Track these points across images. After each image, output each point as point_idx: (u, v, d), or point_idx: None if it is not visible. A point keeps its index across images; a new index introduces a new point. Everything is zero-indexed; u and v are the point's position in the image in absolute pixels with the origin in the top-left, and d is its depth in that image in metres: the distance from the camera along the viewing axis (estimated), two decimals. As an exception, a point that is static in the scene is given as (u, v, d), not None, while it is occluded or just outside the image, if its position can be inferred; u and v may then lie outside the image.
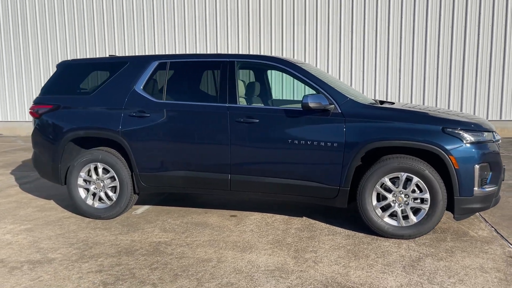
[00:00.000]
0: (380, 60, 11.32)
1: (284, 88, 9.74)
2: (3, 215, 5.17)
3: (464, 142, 4.01)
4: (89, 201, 4.93)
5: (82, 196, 4.94)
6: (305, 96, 4.20)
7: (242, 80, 5.03)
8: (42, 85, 13.52)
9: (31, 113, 5.16)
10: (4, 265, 3.73)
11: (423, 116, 4.27)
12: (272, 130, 4.38)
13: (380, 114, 4.24)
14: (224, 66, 4.63)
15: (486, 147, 4.09)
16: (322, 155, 4.25)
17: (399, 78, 11.29)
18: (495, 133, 4.32)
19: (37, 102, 5.11)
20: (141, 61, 4.89)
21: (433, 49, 11.11)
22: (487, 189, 4.10)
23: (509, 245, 4.06)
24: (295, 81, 4.93)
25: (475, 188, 4.04)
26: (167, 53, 12.28)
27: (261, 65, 4.99)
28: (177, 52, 12.24)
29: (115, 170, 4.78)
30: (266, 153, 4.42)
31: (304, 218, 4.91)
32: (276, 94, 9.42)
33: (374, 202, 4.23)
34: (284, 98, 9.79)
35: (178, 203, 5.57)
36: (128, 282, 3.39)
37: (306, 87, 4.55)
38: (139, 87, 4.80)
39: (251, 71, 5.68)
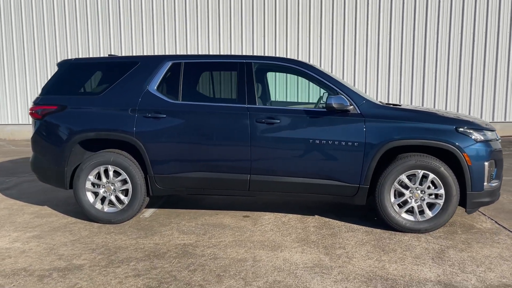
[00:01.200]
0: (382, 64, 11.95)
1: (288, 90, 9.82)
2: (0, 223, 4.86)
3: (475, 140, 4.30)
4: (98, 206, 4.74)
5: (90, 200, 4.74)
6: (329, 97, 4.32)
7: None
8: (28, 87, 13.20)
9: (31, 114, 4.89)
10: (29, 274, 3.53)
11: (436, 116, 4.52)
12: (294, 130, 4.46)
13: (397, 114, 4.45)
14: (241, 67, 4.65)
15: (492, 145, 4.40)
16: (343, 154, 4.39)
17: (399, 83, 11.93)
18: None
19: (39, 102, 4.85)
20: (153, 61, 4.79)
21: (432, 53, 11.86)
22: (493, 184, 4.42)
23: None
24: (299, 83, 5.06)
25: (485, 183, 4.34)
26: (166, 52, 12.43)
27: (278, 67, 5.04)
28: (178, 52, 12.34)
29: (127, 172, 4.65)
30: (287, 153, 4.48)
31: (316, 216, 5.02)
32: (280, 96, 9.51)
33: (392, 199, 4.42)
34: (287, 100, 9.87)
35: (184, 206, 5.49)
36: (173, 285, 3.32)
37: (310, 89, 4.68)
38: (153, 87, 4.70)
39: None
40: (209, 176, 4.61)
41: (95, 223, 4.78)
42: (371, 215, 5.03)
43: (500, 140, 4.67)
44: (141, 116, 4.61)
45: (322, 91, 5.28)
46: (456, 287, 3.28)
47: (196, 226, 4.70)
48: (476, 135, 4.32)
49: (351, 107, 4.39)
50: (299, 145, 4.45)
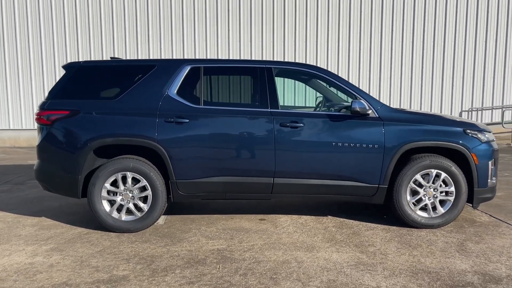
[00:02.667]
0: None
1: (296, 95, 9.87)
2: (3, 238, 4.50)
3: (481, 141, 4.70)
4: (115, 214, 4.56)
5: (107, 209, 4.55)
6: (353, 102, 4.51)
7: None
8: (18, 90, 12.67)
9: (38, 119, 4.60)
10: (74, 288, 3.35)
11: (445, 119, 4.87)
12: (316, 133, 4.59)
13: (411, 117, 4.74)
14: (261, 72, 4.71)
15: (493, 145, 4.83)
16: (363, 156, 4.59)
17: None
18: None
19: (48, 107, 4.57)
20: (171, 65, 4.70)
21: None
22: (494, 181, 4.85)
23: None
24: (307, 88, 5.22)
25: (489, 180, 4.75)
26: (173, 55, 12.46)
27: (298, 72, 5.14)
28: (185, 55, 12.38)
29: (147, 178, 4.51)
30: (310, 156, 4.60)
31: (329, 217, 5.18)
32: (288, 101, 9.58)
33: (408, 197, 4.69)
34: (295, 104, 9.95)
35: (194, 211, 5.42)
36: (233, 289, 3.32)
37: (306, 93, 4.86)
38: (173, 92, 4.62)
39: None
40: (233, 180, 4.61)
41: (111, 233, 4.59)
42: (379, 213, 5.29)
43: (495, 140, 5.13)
44: (162, 121, 4.51)
45: (318, 95, 5.49)
46: (492, 275, 3.58)
47: (218, 231, 4.67)
48: (480, 136, 4.72)
49: (370, 111, 4.62)
50: (322, 148, 4.59)
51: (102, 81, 4.76)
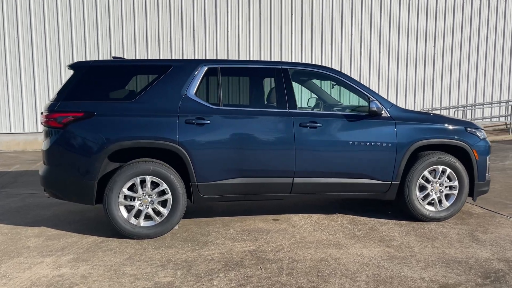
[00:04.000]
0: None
1: (302, 96, 9.76)
2: (11, 251, 4.17)
3: (479, 138, 5.06)
4: (133, 220, 4.38)
5: (124, 215, 4.36)
6: (371, 102, 4.67)
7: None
8: (36, 92, 11.88)
9: (47, 122, 4.30)
10: (124, 298, 3.19)
11: (448, 118, 5.18)
12: (334, 133, 4.70)
13: (419, 117, 4.99)
14: (278, 73, 4.74)
15: (488, 142, 5.21)
16: (378, 154, 4.77)
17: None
18: None
19: (59, 109, 4.29)
20: (188, 66, 4.60)
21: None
22: (489, 175, 5.23)
23: (505, 216, 5.24)
24: (301, 89, 5.35)
25: (486, 174, 5.12)
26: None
27: (312, 73, 5.20)
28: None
29: (168, 182, 4.38)
30: (329, 155, 4.70)
31: (338, 214, 5.32)
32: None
33: (418, 193, 4.94)
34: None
35: (203, 215, 5.32)
36: (288, 289, 3.33)
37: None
38: (191, 92, 4.52)
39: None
40: (253, 181, 4.60)
41: (129, 240, 4.40)
42: (383, 209, 5.51)
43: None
44: (183, 122, 4.40)
45: (313, 95, 5.64)
46: (514, 261, 3.88)
47: (238, 233, 4.64)
48: (479, 134, 5.08)
49: (383, 111, 4.81)
50: (339, 147, 4.71)
51: (115, 82, 4.55)
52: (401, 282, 3.45)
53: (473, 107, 14.47)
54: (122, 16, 12.42)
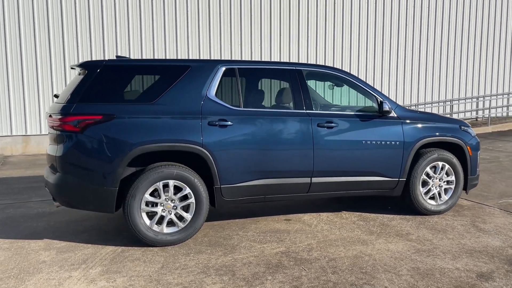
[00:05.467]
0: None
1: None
2: (26, 267, 3.82)
3: (471, 136, 5.44)
4: (155, 227, 4.20)
5: (147, 222, 4.16)
6: (384, 103, 4.85)
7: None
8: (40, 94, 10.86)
9: (61, 126, 3.98)
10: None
11: (445, 117, 5.52)
12: (349, 133, 4.83)
13: (421, 116, 5.27)
14: (293, 74, 4.77)
15: (477, 139, 5.62)
16: (388, 152, 4.97)
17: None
18: None
19: (76, 112, 3.98)
20: (206, 66, 4.48)
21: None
22: (478, 169, 5.65)
23: (492, 206, 5.68)
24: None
25: (477, 169, 5.53)
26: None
27: (324, 74, 5.25)
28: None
29: (191, 186, 4.24)
30: (344, 155, 4.82)
31: (344, 212, 5.45)
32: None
33: (421, 188, 5.21)
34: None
35: (213, 218, 5.19)
36: (342, 286, 3.38)
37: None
38: (212, 93, 4.41)
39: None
40: (273, 182, 4.59)
41: (154, 248, 4.20)
42: (382, 204, 5.74)
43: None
44: (206, 124, 4.29)
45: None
46: (524, 248, 4.23)
47: (259, 234, 4.60)
48: (470, 131, 5.47)
49: (391, 111, 5.02)
50: (354, 147, 4.84)
51: (131, 82, 4.33)
52: (442, 273, 3.63)
53: (445, 103, 15.51)
54: (127, 15, 11.96)
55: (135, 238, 4.25)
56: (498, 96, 16.46)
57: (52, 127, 4.13)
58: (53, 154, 4.16)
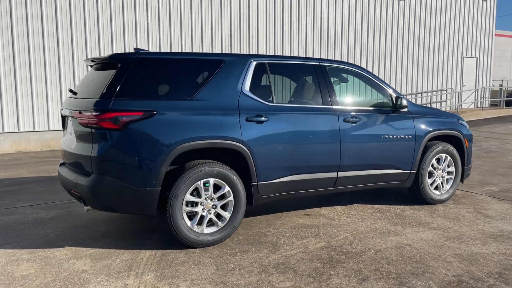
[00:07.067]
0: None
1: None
2: (69, 278, 3.50)
3: (467, 128, 5.84)
4: (196, 228, 4.04)
5: (188, 223, 3.99)
6: (402, 98, 5.04)
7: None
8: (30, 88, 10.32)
9: (99, 123, 3.67)
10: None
11: (445, 112, 5.85)
12: (371, 127, 4.97)
13: (427, 111, 5.56)
14: (318, 69, 4.80)
15: (470, 131, 6.04)
16: (403, 146, 5.18)
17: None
18: None
19: (115, 108, 3.68)
20: (239, 61, 4.35)
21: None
22: (471, 159, 6.08)
23: (481, 194, 6.14)
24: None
25: (471, 160, 5.95)
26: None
27: (343, 70, 5.27)
28: None
29: (231, 184, 4.13)
30: (367, 149, 4.95)
31: (355, 205, 5.60)
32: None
33: (428, 179, 5.50)
34: None
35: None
36: (413, 279, 3.49)
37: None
38: (246, 88, 4.31)
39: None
40: (304, 178, 4.61)
41: (191, 249, 4.04)
42: (384, 196, 5.97)
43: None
44: (244, 120, 4.18)
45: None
46: (534, 230, 4.65)
47: (290, 230, 4.59)
48: (465, 125, 5.87)
49: (408, 106, 5.23)
50: (375, 141, 4.99)
51: (167, 77, 4.09)
52: (484, 258, 3.88)
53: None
54: (135, 9, 11.73)
55: (167, 240, 4.13)
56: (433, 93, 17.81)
57: (85, 124, 3.79)
58: (84, 153, 3.83)
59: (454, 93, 19.19)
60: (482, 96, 20.77)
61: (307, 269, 3.62)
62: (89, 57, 10.77)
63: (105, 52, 11.35)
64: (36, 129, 10.80)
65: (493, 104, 22.84)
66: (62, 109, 4.44)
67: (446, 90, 18.80)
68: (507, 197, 5.97)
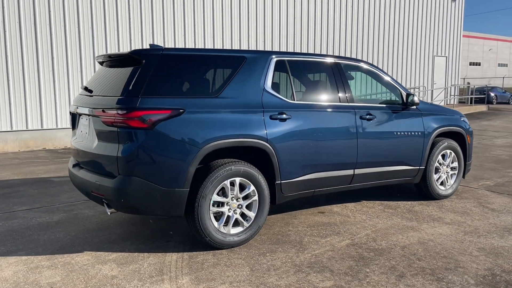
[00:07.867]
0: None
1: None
2: (99, 285, 3.34)
3: (468, 124, 5.99)
4: (223, 228, 3.94)
5: (215, 224, 3.89)
6: (414, 96, 5.11)
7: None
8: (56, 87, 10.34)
9: (126, 122, 3.51)
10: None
11: (448, 109, 5.96)
12: (385, 124, 5.00)
13: (433, 108, 5.66)
14: (334, 67, 4.79)
15: (471, 127, 6.20)
16: (414, 142, 5.26)
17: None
18: None
19: (143, 106, 3.53)
20: (260, 57, 4.27)
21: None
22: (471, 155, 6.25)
23: (478, 188, 6.32)
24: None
25: (472, 155, 6.11)
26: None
27: (356, 67, 5.26)
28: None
29: (255, 183, 4.05)
30: (382, 146, 4.98)
31: (364, 201, 5.64)
32: None
33: (434, 175, 5.60)
34: None
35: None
36: (450, 274, 3.54)
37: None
38: (268, 86, 4.24)
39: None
40: (323, 176, 4.59)
41: (217, 250, 3.94)
42: (389, 192, 6.04)
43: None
44: (268, 118, 4.12)
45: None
46: (542, 223, 4.81)
47: (310, 229, 4.57)
48: (467, 121, 6.02)
49: (419, 103, 5.30)
50: (389, 138, 5.03)
51: (191, 74, 3.96)
52: (507, 251, 3.98)
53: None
54: (141, 7, 11.61)
55: (189, 242, 4.06)
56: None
57: (110, 123, 3.62)
58: (109, 154, 3.65)
59: (427, 91, 19.73)
60: (452, 94, 21.44)
61: (342, 268, 3.60)
62: (94, 55, 10.66)
63: (112, 51, 11.22)
64: (14, 128, 10.32)
65: (461, 102, 23.68)
66: (77, 107, 4.23)
67: (419, 88, 19.30)
68: (504, 191, 6.17)
